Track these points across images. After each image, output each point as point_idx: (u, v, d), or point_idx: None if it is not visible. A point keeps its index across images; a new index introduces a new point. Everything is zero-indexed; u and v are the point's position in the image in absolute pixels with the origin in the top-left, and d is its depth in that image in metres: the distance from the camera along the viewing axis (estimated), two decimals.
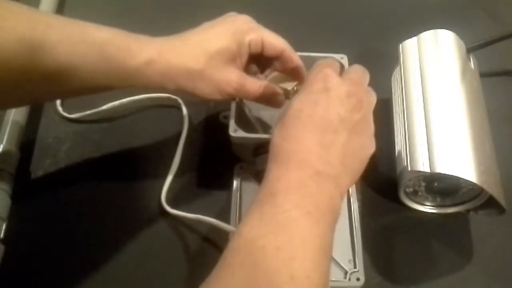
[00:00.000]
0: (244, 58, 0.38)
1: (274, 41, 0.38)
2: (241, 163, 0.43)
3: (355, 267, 0.37)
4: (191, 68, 0.35)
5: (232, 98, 0.40)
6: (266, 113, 0.47)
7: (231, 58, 0.37)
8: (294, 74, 0.41)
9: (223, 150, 0.44)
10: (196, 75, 0.36)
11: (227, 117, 0.46)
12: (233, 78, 0.37)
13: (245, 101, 0.44)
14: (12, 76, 0.30)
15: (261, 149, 0.40)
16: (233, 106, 0.42)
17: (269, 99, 0.39)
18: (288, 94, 0.40)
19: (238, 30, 0.37)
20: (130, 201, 0.41)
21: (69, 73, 0.32)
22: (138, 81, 0.35)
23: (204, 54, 0.35)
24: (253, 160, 0.42)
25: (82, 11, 0.58)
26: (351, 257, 0.38)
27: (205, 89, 0.37)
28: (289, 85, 0.43)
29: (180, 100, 0.47)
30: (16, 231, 0.39)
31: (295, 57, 0.40)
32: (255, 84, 0.38)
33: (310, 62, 0.47)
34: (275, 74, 0.43)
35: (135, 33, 0.35)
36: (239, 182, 0.42)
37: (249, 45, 0.37)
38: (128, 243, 0.39)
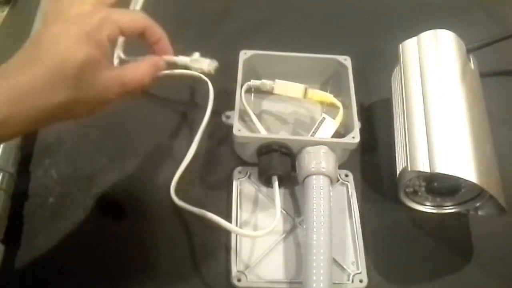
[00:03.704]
0: (107, 52, 0.32)
1: (130, 23, 0.33)
2: (239, 167, 0.43)
3: (358, 269, 0.37)
4: (55, 104, 0.29)
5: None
6: (270, 113, 0.48)
7: (96, 66, 0.30)
8: (160, 48, 0.36)
9: (224, 150, 0.44)
10: (64, 107, 0.29)
11: (229, 117, 0.46)
12: (108, 84, 0.31)
13: (247, 100, 0.44)
14: None
15: (265, 148, 0.40)
16: (237, 105, 0.42)
17: (160, 69, 0.35)
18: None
19: (90, 30, 0.30)
20: (130, 200, 0.42)
21: None
22: None
23: (64, 80, 0.29)
24: (256, 160, 0.42)
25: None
26: (354, 259, 0.38)
27: (83, 112, 0.32)
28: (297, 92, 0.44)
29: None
30: (16, 231, 0.39)
31: (157, 29, 0.35)
32: (134, 73, 0.33)
33: (312, 63, 0.48)
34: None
35: None
36: (238, 185, 0.42)
37: (108, 39, 0.31)
38: (130, 241, 0.39)
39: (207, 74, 0.40)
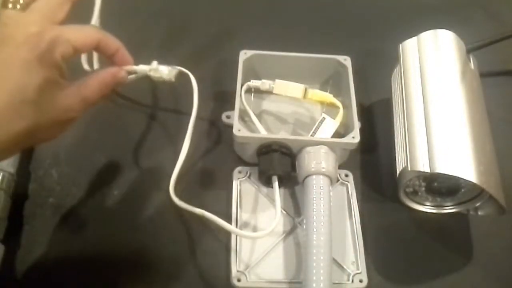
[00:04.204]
0: (63, 71, 0.31)
1: (83, 40, 0.32)
2: (239, 167, 0.43)
3: (358, 269, 0.37)
4: (16, 133, 0.28)
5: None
6: (270, 113, 0.48)
7: (53, 87, 0.29)
8: (119, 58, 0.35)
9: (224, 150, 0.44)
10: (26, 134, 0.28)
11: (229, 117, 0.46)
12: (69, 103, 0.30)
13: (247, 100, 0.44)
14: None
15: (265, 148, 0.40)
16: (237, 105, 0.42)
17: (118, 83, 0.35)
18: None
19: (42, 52, 0.29)
20: (130, 200, 0.42)
21: None
22: None
23: (23, 107, 0.28)
24: (256, 160, 0.42)
25: (82, 11, 0.58)
26: (354, 259, 0.38)
27: (49, 135, 0.31)
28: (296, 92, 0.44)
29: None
30: (16, 231, 0.39)
31: (112, 41, 0.34)
32: (93, 86, 0.32)
33: (312, 63, 0.48)
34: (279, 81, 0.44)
35: None
36: (238, 185, 0.42)
37: (62, 59, 0.30)
38: (130, 241, 0.39)
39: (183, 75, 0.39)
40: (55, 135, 0.32)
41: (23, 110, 0.28)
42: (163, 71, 0.37)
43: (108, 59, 0.35)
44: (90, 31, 0.33)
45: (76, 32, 0.32)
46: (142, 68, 0.37)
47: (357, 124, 0.42)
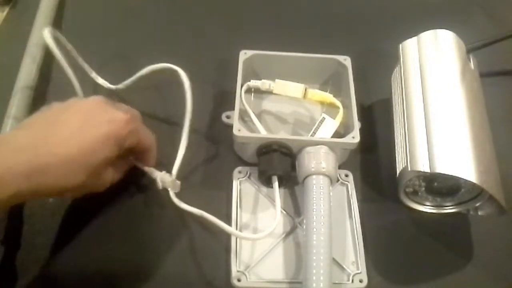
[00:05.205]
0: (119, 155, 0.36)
1: (146, 141, 0.38)
2: (239, 167, 0.43)
3: (358, 269, 0.37)
4: (64, 187, 0.32)
5: None
6: (270, 112, 0.48)
7: (108, 163, 0.35)
8: (144, 159, 0.40)
9: (224, 150, 0.44)
10: (70, 189, 0.33)
11: (229, 117, 0.46)
12: (108, 179, 0.36)
13: (247, 100, 0.44)
14: None
15: (265, 148, 0.40)
16: (237, 105, 0.42)
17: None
18: None
19: (119, 137, 0.34)
20: (130, 200, 0.42)
21: None
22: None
23: (84, 169, 0.32)
24: (256, 160, 0.42)
25: (82, 11, 0.59)
26: (354, 259, 0.38)
27: (76, 195, 0.37)
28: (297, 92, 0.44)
29: None
30: (16, 231, 0.39)
31: (153, 154, 0.40)
32: (120, 174, 0.38)
33: (312, 63, 0.48)
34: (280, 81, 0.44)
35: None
36: (238, 185, 0.42)
37: (127, 147, 0.36)
38: (130, 242, 0.39)
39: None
40: (77, 196, 0.38)
41: (82, 171, 0.32)
42: (167, 181, 0.39)
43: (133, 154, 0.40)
44: (152, 137, 0.39)
45: (145, 134, 0.38)
46: (151, 171, 0.40)
47: (357, 124, 0.42)
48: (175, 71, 0.41)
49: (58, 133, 0.32)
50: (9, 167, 0.28)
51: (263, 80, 0.47)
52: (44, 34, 0.41)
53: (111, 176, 0.36)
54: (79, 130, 0.32)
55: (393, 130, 0.44)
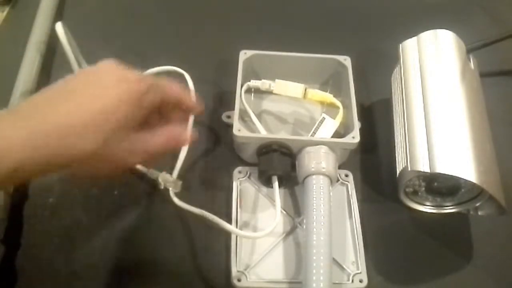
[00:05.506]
0: (145, 116, 0.32)
1: (172, 92, 0.34)
2: (239, 167, 0.43)
3: (358, 269, 0.37)
4: (76, 154, 0.27)
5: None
6: (270, 112, 0.48)
7: (130, 125, 0.30)
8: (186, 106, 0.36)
9: (224, 150, 0.44)
10: (83, 159, 0.28)
11: (230, 117, 0.46)
12: (133, 148, 0.31)
13: (247, 100, 0.44)
14: None
15: (265, 148, 0.40)
16: (237, 105, 0.42)
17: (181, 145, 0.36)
18: None
19: (134, 95, 0.30)
20: (130, 200, 0.42)
21: None
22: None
23: (97, 131, 0.28)
24: (256, 160, 0.42)
25: (82, 11, 0.59)
26: (354, 259, 0.38)
27: (95, 170, 0.31)
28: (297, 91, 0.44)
29: None
30: (16, 231, 0.39)
31: (188, 98, 0.36)
32: (159, 141, 0.32)
33: (312, 63, 0.48)
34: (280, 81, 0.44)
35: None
36: (238, 185, 0.42)
37: (150, 104, 0.31)
38: (130, 242, 0.39)
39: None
40: (99, 174, 0.31)
41: (96, 134, 0.28)
42: (168, 181, 0.39)
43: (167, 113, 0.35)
44: (176, 86, 0.34)
45: (166, 85, 0.33)
46: (151, 171, 0.40)
47: (357, 124, 0.42)
48: (176, 72, 0.41)
49: (65, 100, 0.28)
50: (8, 136, 0.25)
51: (263, 80, 0.47)
52: (56, 27, 0.40)
53: (135, 145, 0.31)
54: (86, 94, 0.29)
55: (393, 130, 0.44)
